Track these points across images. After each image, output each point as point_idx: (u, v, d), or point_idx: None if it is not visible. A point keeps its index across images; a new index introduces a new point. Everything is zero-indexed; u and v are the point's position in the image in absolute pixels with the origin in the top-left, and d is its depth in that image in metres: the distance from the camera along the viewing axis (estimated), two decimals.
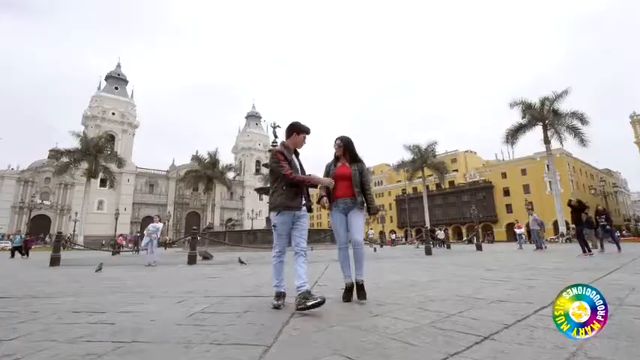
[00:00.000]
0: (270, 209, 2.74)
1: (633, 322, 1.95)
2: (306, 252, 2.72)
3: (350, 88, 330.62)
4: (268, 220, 8.63)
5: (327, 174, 3.08)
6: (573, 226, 10.51)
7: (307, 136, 2.94)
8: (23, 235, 17.86)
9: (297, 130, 2.87)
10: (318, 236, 16.56)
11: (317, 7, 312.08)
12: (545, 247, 14.53)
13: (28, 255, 16.62)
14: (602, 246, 10.50)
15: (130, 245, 25.59)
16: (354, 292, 2.92)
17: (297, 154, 2.94)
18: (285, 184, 2.68)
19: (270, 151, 2.81)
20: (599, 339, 1.63)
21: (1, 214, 49.77)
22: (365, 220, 3.05)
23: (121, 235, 31.69)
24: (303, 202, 2.79)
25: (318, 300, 2.38)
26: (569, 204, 10.15)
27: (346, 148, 3.07)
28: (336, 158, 3.13)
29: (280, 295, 2.63)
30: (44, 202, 52.66)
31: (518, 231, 16.87)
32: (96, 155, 33.23)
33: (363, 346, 1.64)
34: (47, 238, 46.92)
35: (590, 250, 9.08)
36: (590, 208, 10.98)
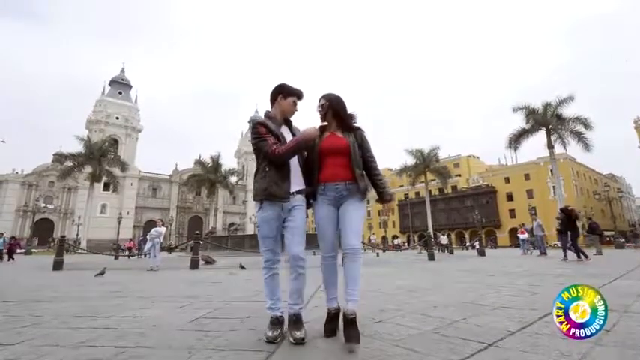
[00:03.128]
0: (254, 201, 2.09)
1: None
2: (303, 264, 1.96)
3: (351, 91, 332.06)
4: None
5: (311, 149, 2.13)
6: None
7: (299, 101, 2.22)
8: (7, 238, 16.85)
9: (282, 93, 2.16)
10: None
11: (319, 10, 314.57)
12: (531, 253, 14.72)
13: (13, 259, 15.97)
14: (565, 253, 10.20)
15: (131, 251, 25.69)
16: (341, 326, 1.93)
17: (289, 125, 2.22)
18: (269, 163, 2.01)
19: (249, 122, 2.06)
20: (605, 347, 1.62)
21: (5, 217, 49.99)
22: (365, 216, 2.16)
23: (131, 239, 31.75)
24: (297, 188, 2.04)
25: (298, 339, 1.79)
26: (559, 218, 10.19)
27: (335, 111, 2.14)
28: (322, 129, 2.20)
29: (277, 322, 1.93)
30: (48, 206, 52.88)
31: (521, 236, 16.75)
32: (99, 159, 33.40)
33: (367, 352, 1.63)
34: (52, 243, 47.07)
35: (586, 256, 9.08)
36: (594, 214, 10.95)
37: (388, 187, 2.16)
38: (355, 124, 2.19)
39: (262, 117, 2.19)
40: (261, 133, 2.03)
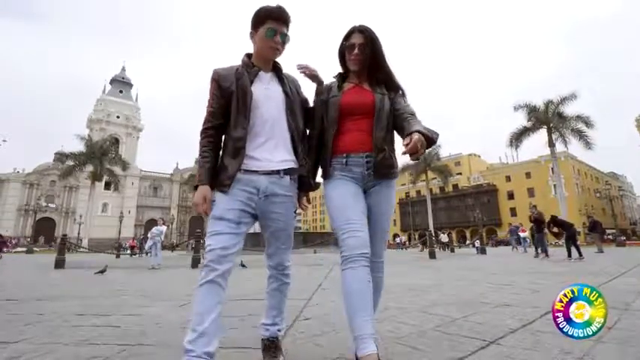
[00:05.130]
0: None
1: None
2: (289, 272, 1.51)
3: None
4: None
5: (323, 105, 1.47)
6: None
7: (285, 30, 1.39)
8: None
9: (255, 23, 1.38)
10: (322, 239, 16.35)
11: (319, 8, 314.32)
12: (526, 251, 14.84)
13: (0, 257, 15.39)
14: (537, 250, 10.78)
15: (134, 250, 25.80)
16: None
17: (278, 72, 1.48)
18: (228, 134, 1.39)
19: None
20: (607, 344, 1.61)
21: (7, 217, 50.18)
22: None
23: (134, 238, 31.86)
24: (279, 166, 1.37)
25: None
26: (550, 227, 10.38)
27: (372, 52, 1.44)
28: (342, 77, 1.53)
29: None
30: (49, 204, 53.02)
31: (522, 234, 16.75)
32: (101, 158, 33.42)
33: None
34: (55, 242, 47.20)
35: (581, 255, 9.17)
36: (595, 212, 11.01)
37: (422, 127, 1.26)
38: (398, 84, 1.52)
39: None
40: (210, 92, 1.41)
